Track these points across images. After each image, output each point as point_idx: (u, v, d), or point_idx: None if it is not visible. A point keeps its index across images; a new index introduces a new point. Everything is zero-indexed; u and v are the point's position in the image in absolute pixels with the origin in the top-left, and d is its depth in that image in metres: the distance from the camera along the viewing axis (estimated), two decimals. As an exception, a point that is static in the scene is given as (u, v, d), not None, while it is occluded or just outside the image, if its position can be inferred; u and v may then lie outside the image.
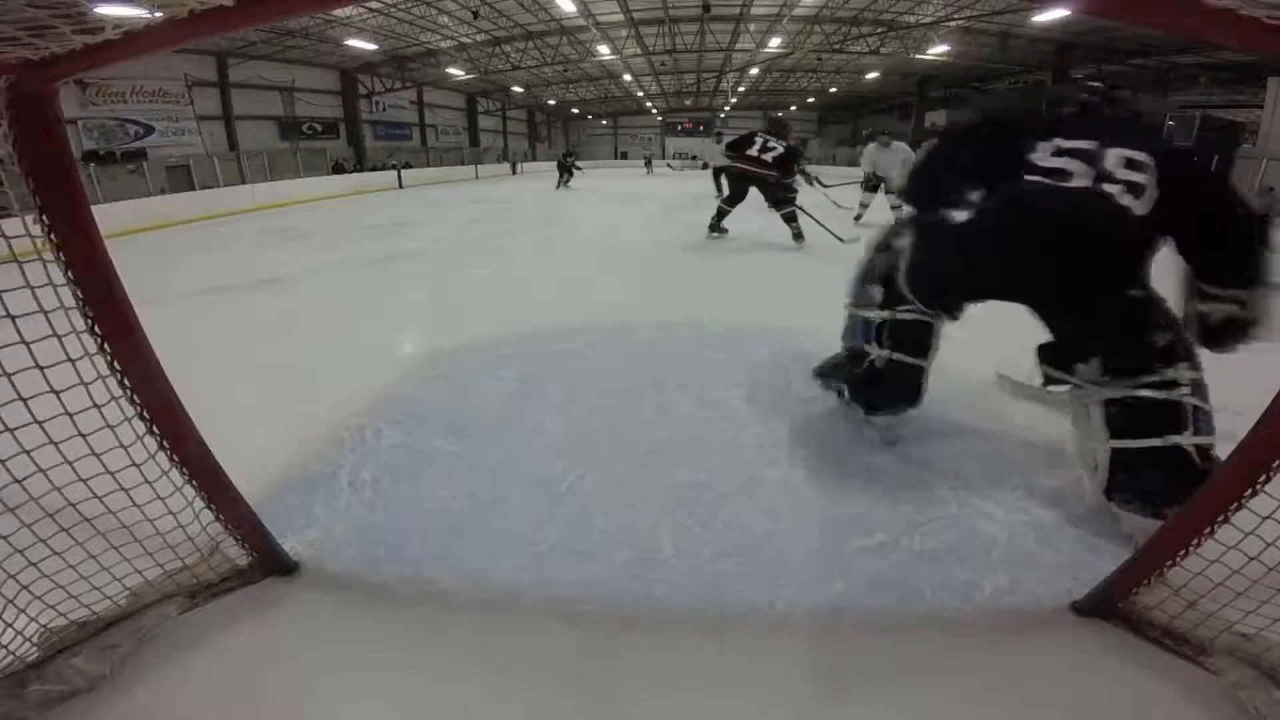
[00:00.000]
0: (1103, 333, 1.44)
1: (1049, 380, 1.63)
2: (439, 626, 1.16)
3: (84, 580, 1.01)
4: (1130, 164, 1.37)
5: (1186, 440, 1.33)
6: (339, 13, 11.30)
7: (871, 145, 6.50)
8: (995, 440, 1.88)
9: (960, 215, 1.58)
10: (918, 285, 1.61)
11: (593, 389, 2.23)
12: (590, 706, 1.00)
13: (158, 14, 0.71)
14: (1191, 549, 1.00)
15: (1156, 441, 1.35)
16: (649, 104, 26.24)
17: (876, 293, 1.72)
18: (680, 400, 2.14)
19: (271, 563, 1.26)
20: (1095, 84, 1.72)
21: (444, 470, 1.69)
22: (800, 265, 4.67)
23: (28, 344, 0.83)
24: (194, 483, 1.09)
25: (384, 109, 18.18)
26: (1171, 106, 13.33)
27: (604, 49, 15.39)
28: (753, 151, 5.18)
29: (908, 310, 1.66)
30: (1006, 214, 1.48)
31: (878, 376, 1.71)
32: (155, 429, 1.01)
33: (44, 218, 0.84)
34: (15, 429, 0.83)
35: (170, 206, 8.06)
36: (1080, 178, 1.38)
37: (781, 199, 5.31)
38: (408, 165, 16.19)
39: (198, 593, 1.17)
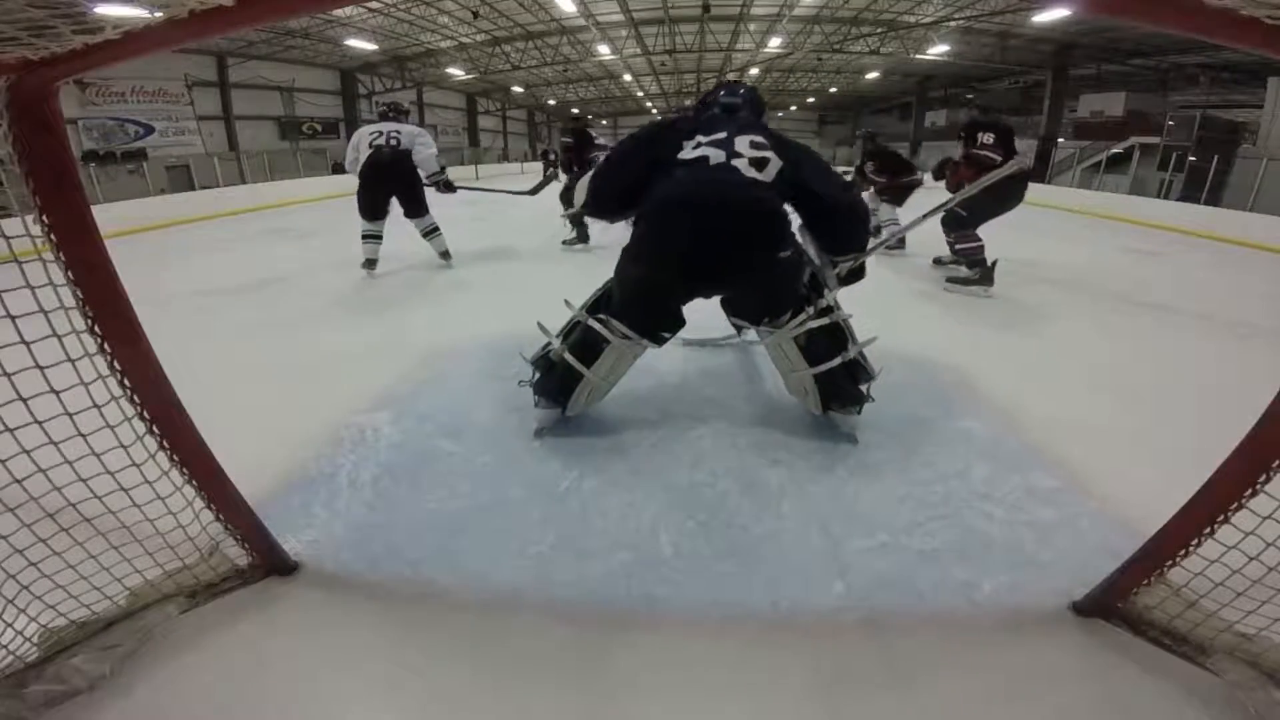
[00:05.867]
0: (767, 295, 1.70)
1: (737, 326, 1.92)
2: (439, 626, 1.16)
3: (84, 580, 1.01)
4: (753, 144, 1.62)
5: (854, 351, 1.72)
6: (339, 13, 11.28)
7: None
8: (995, 440, 1.88)
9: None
10: (617, 304, 1.73)
11: (593, 389, 2.23)
12: (590, 706, 1.00)
13: (158, 14, 0.71)
14: (1191, 549, 1.00)
15: (839, 360, 1.70)
16: (649, 104, 26.23)
17: (596, 295, 1.82)
18: (680, 400, 2.14)
19: (271, 563, 1.26)
20: (741, 86, 1.92)
21: (444, 470, 1.69)
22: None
23: (28, 344, 0.83)
24: (194, 483, 1.09)
25: (384, 109, 18.13)
26: (1171, 106, 13.33)
27: (604, 49, 15.37)
28: None
29: (599, 321, 1.72)
30: (662, 204, 1.60)
31: (550, 369, 1.82)
32: (155, 429, 1.01)
33: (44, 218, 0.84)
34: (15, 429, 0.83)
35: (170, 206, 8.04)
36: (716, 159, 1.59)
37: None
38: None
39: (198, 593, 1.17)
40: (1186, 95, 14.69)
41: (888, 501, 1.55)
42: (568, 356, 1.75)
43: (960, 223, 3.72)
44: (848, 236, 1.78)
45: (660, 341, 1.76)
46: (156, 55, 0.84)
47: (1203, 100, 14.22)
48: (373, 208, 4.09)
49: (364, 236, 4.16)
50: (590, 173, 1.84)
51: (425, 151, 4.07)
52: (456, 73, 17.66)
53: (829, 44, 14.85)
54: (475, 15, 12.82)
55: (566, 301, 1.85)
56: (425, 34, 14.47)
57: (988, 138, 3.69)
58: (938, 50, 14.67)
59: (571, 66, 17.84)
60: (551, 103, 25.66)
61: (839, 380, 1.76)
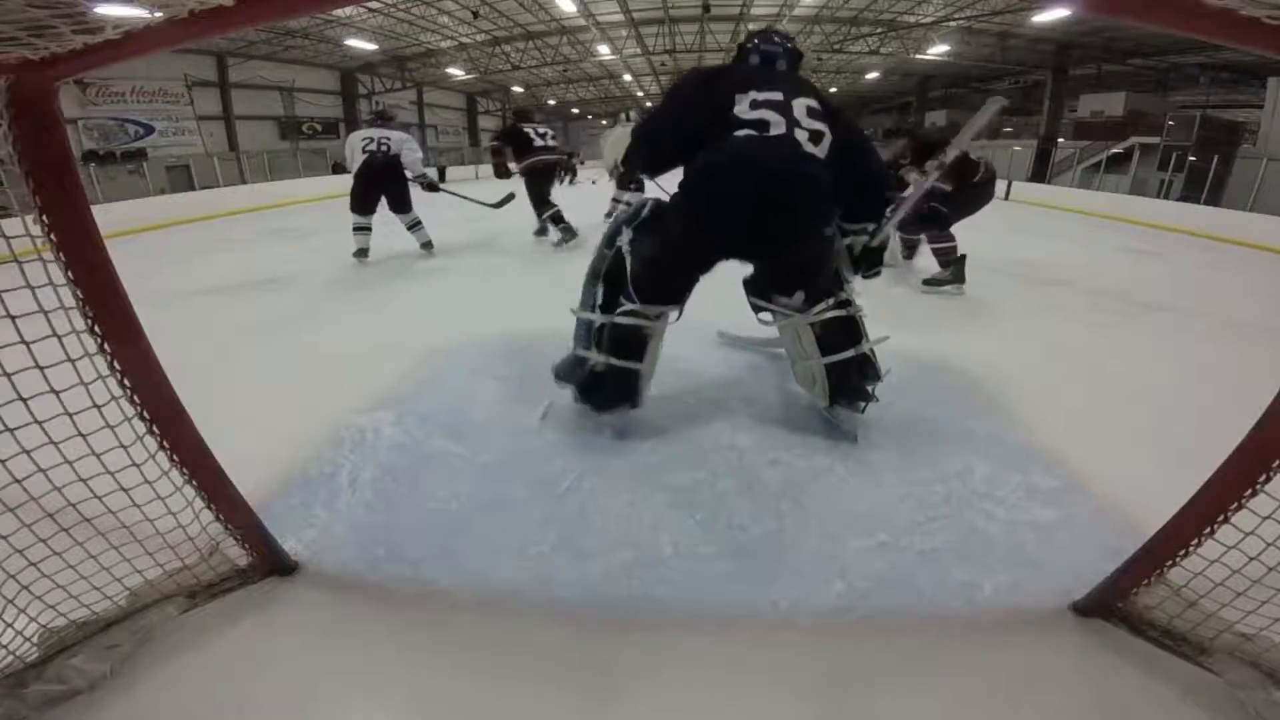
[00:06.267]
0: (805, 269, 1.71)
1: (756, 309, 1.99)
2: (439, 627, 1.16)
3: (84, 580, 1.01)
4: (810, 112, 1.58)
5: (866, 346, 1.76)
6: (339, 13, 11.27)
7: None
8: (995, 440, 1.88)
9: (671, 192, 1.67)
10: (644, 285, 1.69)
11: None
12: (590, 707, 1.00)
13: (158, 14, 0.71)
14: (1191, 549, 1.00)
15: (851, 352, 1.74)
16: (649, 104, 26.23)
17: (599, 293, 1.76)
18: (680, 401, 2.14)
19: (271, 563, 1.26)
20: (776, 34, 1.83)
21: (444, 470, 1.69)
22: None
23: (28, 344, 0.83)
24: (194, 483, 1.09)
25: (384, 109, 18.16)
26: (1171, 106, 13.33)
27: (604, 49, 15.37)
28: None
29: (625, 314, 1.71)
30: (725, 167, 1.54)
31: (599, 380, 1.77)
32: (155, 429, 1.01)
33: (44, 218, 0.84)
34: (15, 429, 0.83)
35: (170, 206, 8.04)
36: (776, 128, 1.54)
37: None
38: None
39: (198, 593, 1.17)
40: (1186, 95, 14.67)
41: (888, 501, 1.55)
42: (614, 361, 1.72)
43: (939, 222, 3.73)
44: (870, 205, 1.79)
45: (681, 305, 1.77)
46: (156, 55, 0.84)
47: (1203, 100, 14.22)
48: (365, 203, 4.55)
49: (355, 229, 4.58)
50: (636, 124, 1.77)
51: (412, 155, 4.54)
52: (456, 73, 17.65)
53: (829, 44, 14.84)
54: (475, 15, 12.81)
55: (572, 310, 1.84)
56: (425, 34, 14.45)
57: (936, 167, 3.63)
58: (938, 50, 14.65)
59: (571, 66, 17.83)
60: (551, 102, 25.65)
61: (850, 374, 1.77)
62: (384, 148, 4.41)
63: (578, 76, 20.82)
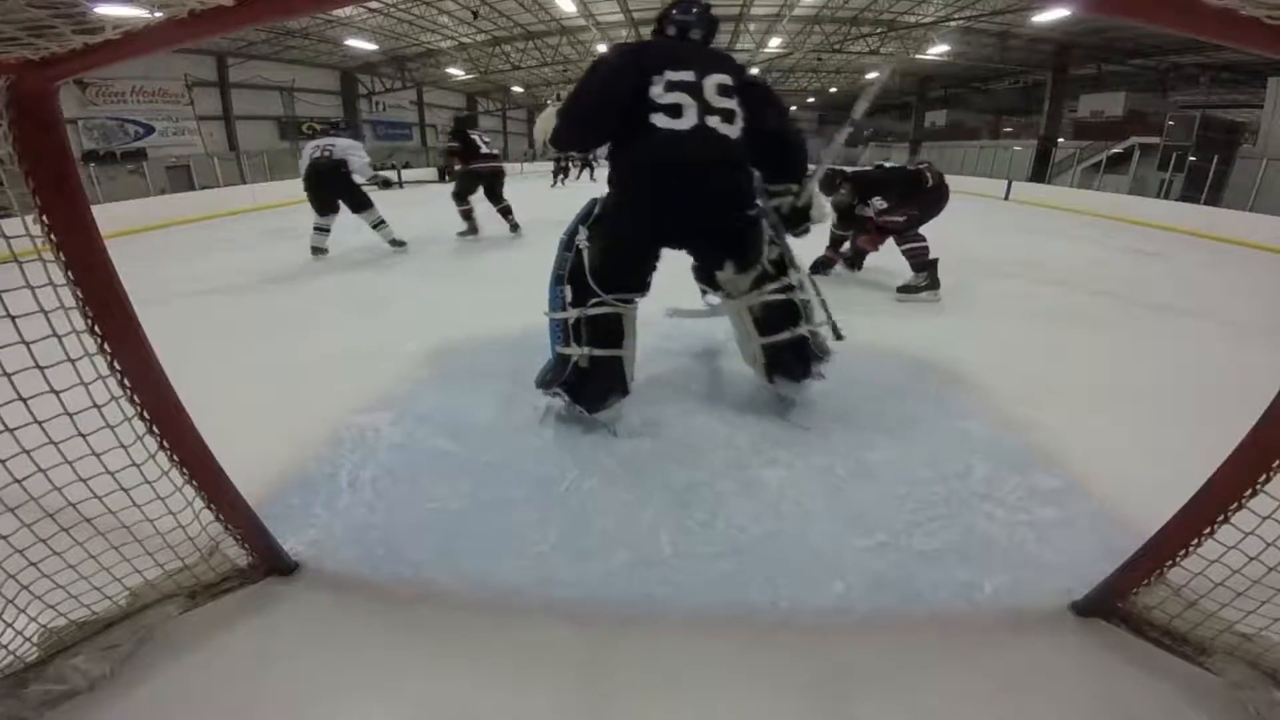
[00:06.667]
0: (731, 246, 1.84)
1: (703, 292, 2.24)
2: (439, 626, 1.16)
3: (84, 580, 1.01)
4: (721, 90, 1.65)
5: (804, 329, 1.91)
6: (339, 13, 11.28)
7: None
8: (995, 440, 1.88)
9: (611, 192, 1.78)
10: (605, 277, 1.76)
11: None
12: (590, 706, 1.00)
13: (158, 14, 0.71)
14: (1191, 549, 1.00)
15: (788, 334, 1.89)
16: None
17: (568, 292, 1.80)
18: (678, 401, 2.14)
19: (271, 563, 1.26)
20: (694, 5, 1.81)
21: (444, 470, 1.69)
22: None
23: (28, 344, 0.83)
24: (194, 483, 1.09)
25: (384, 109, 18.17)
26: (1171, 106, 13.33)
27: (604, 49, 15.38)
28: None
29: (597, 304, 1.77)
30: (646, 166, 1.67)
31: (585, 375, 1.81)
32: (155, 429, 1.01)
33: (44, 218, 0.84)
34: (15, 429, 0.83)
35: (170, 206, 8.05)
36: (689, 113, 1.61)
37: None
38: (407, 165, 16.17)
39: (198, 593, 1.17)
40: (1186, 95, 14.68)
41: (887, 501, 1.55)
42: (596, 351, 1.78)
43: (907, 224, 3.66)
44: (789, 166, 1.90)
45: (646, 289, 1.86)
46: (156, 55, 0.84)
47: (1203, 100, 14.21)
48: (318, 205, 4.81)
49: (314, 228, 4.84)
50: (558, 106, 1.79)
51: (359, 161, 4.81)
52: (456, 73, 17.66)
53: (829, 44, 14.84)
54: (475, 15, 12.82)
55: (545, 313, 1.87)
56: (425, 34, 14.46)
57: (879, 203, 3.57)
58: (938, 50, 14.66)
59: (571, 66, 17.83)
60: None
61: (783, 354, 1.92)
62: (326, 154, 4.70)
63: (578, 76, 20.82)
